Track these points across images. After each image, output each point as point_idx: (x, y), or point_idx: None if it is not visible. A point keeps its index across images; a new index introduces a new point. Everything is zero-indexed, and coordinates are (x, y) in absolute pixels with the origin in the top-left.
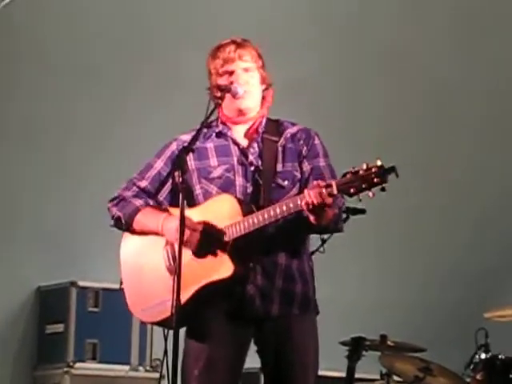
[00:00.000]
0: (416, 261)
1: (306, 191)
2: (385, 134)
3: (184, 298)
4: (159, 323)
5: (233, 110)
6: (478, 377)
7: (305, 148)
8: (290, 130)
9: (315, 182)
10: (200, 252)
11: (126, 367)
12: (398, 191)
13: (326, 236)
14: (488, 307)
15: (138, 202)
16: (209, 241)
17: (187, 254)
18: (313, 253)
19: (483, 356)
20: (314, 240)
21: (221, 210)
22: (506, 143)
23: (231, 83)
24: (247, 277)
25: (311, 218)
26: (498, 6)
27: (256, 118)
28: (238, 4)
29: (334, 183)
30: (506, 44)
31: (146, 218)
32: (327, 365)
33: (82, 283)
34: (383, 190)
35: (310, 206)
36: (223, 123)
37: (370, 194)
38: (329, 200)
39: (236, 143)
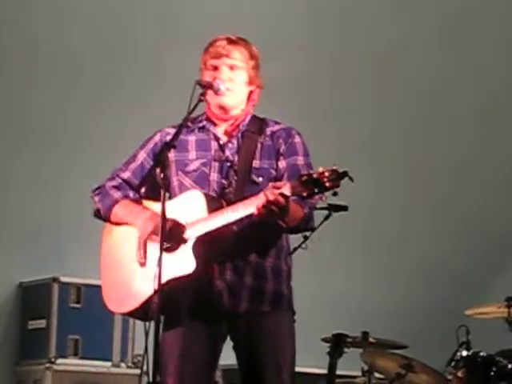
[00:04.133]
0: (400, 259)
1: (261, 193)
2: (376, 132)
3: (149, 291)
4: (127, 314)
5: (214, 106)
6: (460, 374)
7: (283, 146)
8: (272, 128)
9: (270, 184)
10: (163, 246)
11: (108, 363)
12: (386, 189)
13: (308, 233)
14: (469, 305)
15: (117, 194)
16: (171, 237)
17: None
18: (295, 249)
19: (464, 353)
20: (297, 237)
21: (187, 207)
22: (498, 143)
23: (214, 79)
24: (211, 273)
25: (279, 221)
26: (489, 7)
27: (239, 115)
28: (224, 1)
29: (287, 185)
30: (497, 44)
31: (123, 210)
32: (309, 361)
33: (64, 279)
34: (335, 194)
35: (265, 208)
36: (208, 119)
37: (323, 197)
38: (282, 202)
39: (216, 138)
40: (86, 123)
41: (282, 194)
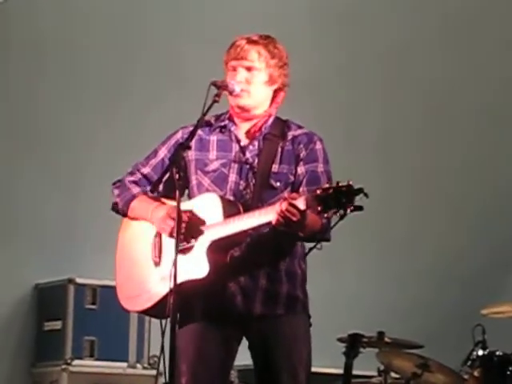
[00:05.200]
0: (415, 258)
1: (277, 203)
2: (383, 132)
3: (164, 291)
4: (140, 312)
5: (234, 106)
6: (476, 373)
7: (303, 152)
8: (294, 133)
9: (287, 195)
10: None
11: (124, 364)
12: (398, 192)
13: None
14: (485, 304)
15: (136, 190)
16: (189, 229)
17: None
18: (310, 250)
19: (480, 352)
20: None
21: (203, 209)
22: (501, 144)
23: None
24: (225, 277)
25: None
26: (489, 7)
27: (261, 116)
28: (238, 1)
29: (302, 198)
30: (497, 44)
31: (140, 205)
32: (324, 361)
33: (79, 280)
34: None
35: (282, 218)
36: (230, 118)
37: (338, 212)
38: (297, 215)
39: (237, 140)
40: (97, 123)
41: (296, 208)
